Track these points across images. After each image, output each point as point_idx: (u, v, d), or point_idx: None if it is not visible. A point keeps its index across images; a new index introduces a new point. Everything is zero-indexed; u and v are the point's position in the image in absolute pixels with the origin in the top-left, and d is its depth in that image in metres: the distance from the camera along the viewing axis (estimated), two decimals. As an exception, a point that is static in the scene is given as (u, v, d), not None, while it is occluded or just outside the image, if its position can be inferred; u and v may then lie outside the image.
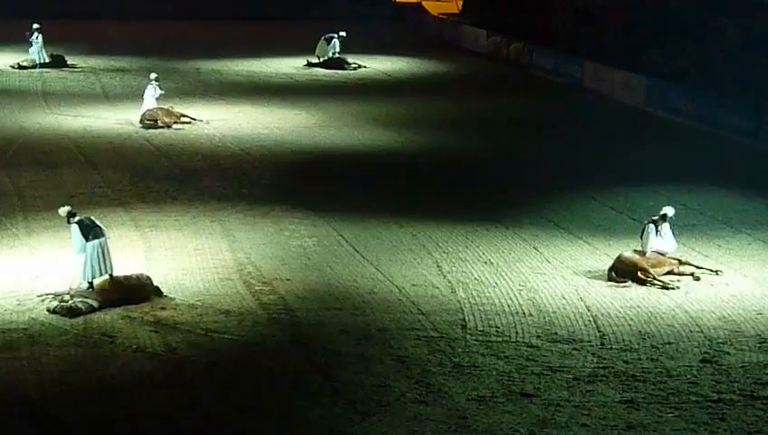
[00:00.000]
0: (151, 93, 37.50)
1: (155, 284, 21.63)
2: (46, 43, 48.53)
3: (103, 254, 20.94)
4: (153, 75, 38.40)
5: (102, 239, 21.10)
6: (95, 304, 20.75)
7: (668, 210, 23.49)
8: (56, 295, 20.97)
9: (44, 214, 26.81)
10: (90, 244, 20.95)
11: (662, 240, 23.34)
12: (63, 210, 21.73)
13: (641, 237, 23.39)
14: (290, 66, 50.73)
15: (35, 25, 48.48)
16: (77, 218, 21.39)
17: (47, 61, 48.22)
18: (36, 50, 48.16)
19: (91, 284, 20.93)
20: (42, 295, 21.05)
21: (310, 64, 50.54)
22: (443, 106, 42.69)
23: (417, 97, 44.26)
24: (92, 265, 20.89)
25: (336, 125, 38.35)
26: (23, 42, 49.00)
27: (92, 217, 21.64)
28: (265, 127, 37.66)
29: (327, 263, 23.87)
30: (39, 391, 17.68)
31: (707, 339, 20.10)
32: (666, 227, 23.37)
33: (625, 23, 47.61)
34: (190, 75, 48.04)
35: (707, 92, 39.96)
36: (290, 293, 21.97)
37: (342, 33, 50.28)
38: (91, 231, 21.11)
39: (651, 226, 23.22)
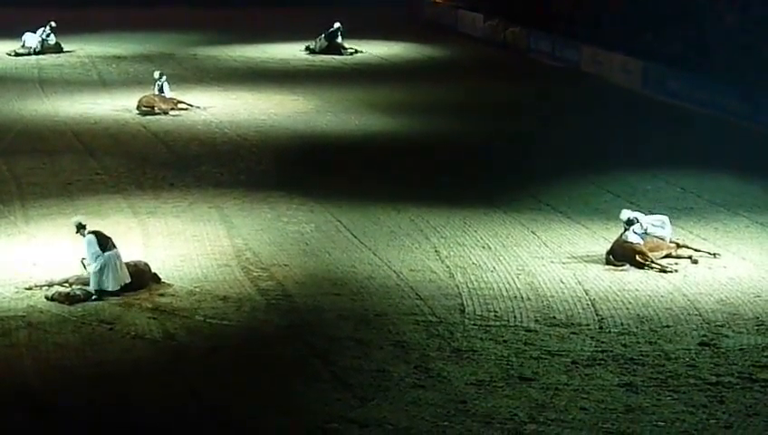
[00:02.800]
0: (167, 88, 37.64)
1: (153, 270, 21.62)
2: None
3: (118, 265, 20.85)
4: (157, 73, 38.29)
5: (117, 251, 21.00)
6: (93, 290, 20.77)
7: (624, 215, 23.33)
8: (50, 285, 20.97)
9: (42, 201, 26.83)
10: (108, 253, 20.86)
11: (654, 229, 23.31)
12: (75, 220, 21.63)
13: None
14: (287, 52, 50.69)
15: (53, 24, 48.53)
16: (91, 229, 21.22)
17: (41, 49, 48.21)
18: (37, 40, 48.13)
19: (110, 292, 20.79)
20: (32, 287, 21.00)
21: (309, 49, 50.45)
22: (440, 90, 42.66)
23: (415, 82, 44.22)
24: (114, 274, 20.76)
25: (333, 110, 38.32)
26: (19, 29, 49.00)
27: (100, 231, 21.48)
28: (263, 113, 37.64)
29: (325, 248, 23.87)
30: (37, 377, 17.69)
31: (705, 322, 20.11)
32: (644, 222, 23.23)
33: (623, 6, 47.50)
34: (187, 61, 47.99)
35: (705, 76, 39.92)
36: (288, 279, 21.97)
37: (337, 25, 50.19)
38: (108, 242, 21.02)
39: (627, 233, 23.09)
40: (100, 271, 20.70)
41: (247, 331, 19.58)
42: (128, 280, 20.89)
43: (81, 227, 21.29)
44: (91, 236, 21.00)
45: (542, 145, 33.99)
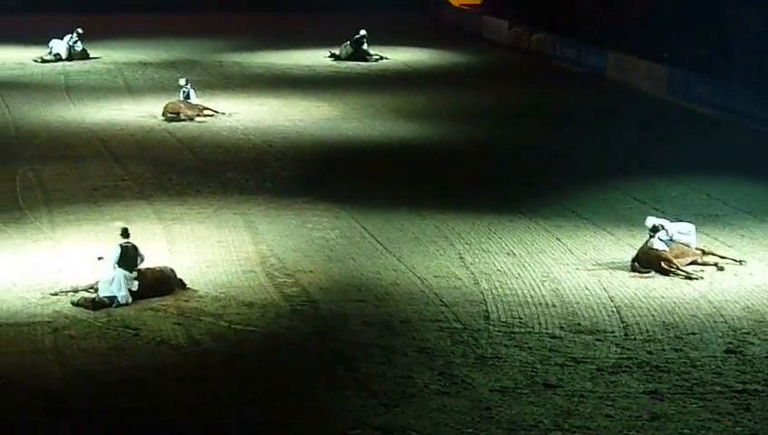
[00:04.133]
0: (193, 94, 37.78)
1: (178, 276, 21.67)
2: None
3: (121, 284, 20.82)
4: (183, 80, 38.40)
5: (128, 274, 20.94)
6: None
7: (649, 222, 23.31)
8: (75, 291, 21.05)
9: (68, 208, 26.93)
10: (118, 271, 20.88)
11: (680, 236, 23.24)
12: (118, 225, 21.75)
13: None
14: (311, 58, 50.73)
15: (80, 30, 48.72)
16: (125, 243, 21.24)
17: (68, 55, 48.41)
18: (64, 47, 48.35)
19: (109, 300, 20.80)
20: (58, 293, 21.08)
21: (333, 56, 50.48)
22: (465, 97, 42.64)
23: (439, 88, 44.23)
24: (124, 290, 20.78)
25: (358, 117, 38.36)
26: (46, 36, 49.22)
27: (136, 248, 21.43)
28: (287, 119, 37.69)
29: (350, 255, 23.89)
30: (63, 383, 17.76)
31: (731, 329, 20.04)
32: (669, 229, 23.16)
33: (648, 12, 47.38)
34: (212, 68, 48.11)
35: (730, 82, 39.79)
36: (313, 285, 22.00)
37: (363, 32, 50.19)
38: (128, 264, 21.04)
39: (652, 240, 23.04)
40: (111, 282, 20.76)
41: (272, 337, 19.61)
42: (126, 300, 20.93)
43: (124, 234, 21.37)
44: (118, 250, 21.06)
45: (567, 151, 33.94)
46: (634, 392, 17.52)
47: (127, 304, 20.70)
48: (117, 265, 20.92)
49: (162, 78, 45.00)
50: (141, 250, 21.41)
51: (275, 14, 63.54)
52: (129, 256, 21.14)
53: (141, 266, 21.28)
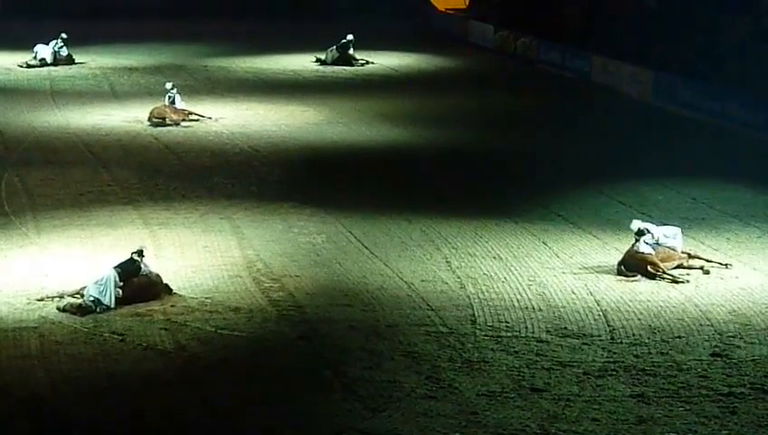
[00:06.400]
0: (179, 99, 37.71)
1: (165, 281, 21.64)
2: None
3: (109, 285, 20.74)
4: (169, 84, 38.36)
5: (118, 280, 20.89)
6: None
7: (634, 225, 23.38)
8: (61, 296, 21.00)
9: (53, 213, 26.86)
10: (112, 271, 20.79)
11: (666, 240, 23.28)
12: (141, 245, 21.91)
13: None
14: (298, 63, 50.75)
15: (64, 35, 48.63)
16: (137, 258, 21.32)
17: (53, 60, 48.32)
18: (49, 52, 48.24)
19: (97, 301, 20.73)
20: (44, 298, 21.03)
21: (319, 61, 50.49)
22: (451, 102, 42.68)
23: (425, 93, 44.27)
24: (103, 288, 20.75)
25: (344, 121, 38.37)
26: (31, 41, 49.13)
27: (140, 268, 21.41)
28: (274, 124, 37.69)
29: (336, 259, 23.88)
30: (49, 389, 17.70)
31: (717, 333, 20.07)
32: (655, 233, 23.21)
33: (633, 16, 47.47)
34: (198, 73, 48.08)
35: (716, 86, 39.89)
36: (299, 289, 21.98)
37: (350, 37, 50.18)
38: (125, 271, 21.01)
39: (638, 244, 23.08)
40: (100, 281, 20.70)
41: (258, 342, 19.59)
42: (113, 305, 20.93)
43: (138, 253, 21.42)
44: (126, 258, 21.14)
45: (553, 155, 33.99)
46: (620, 396, 17.54)
47: (110, 308, 20.64)
48: (114, 268, 20.91)
49: (148, 83, 44.96)
50: (146, 272, 21.39)
51: (261, 20, 63.52)
52: (129, 267, 21.09)
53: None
